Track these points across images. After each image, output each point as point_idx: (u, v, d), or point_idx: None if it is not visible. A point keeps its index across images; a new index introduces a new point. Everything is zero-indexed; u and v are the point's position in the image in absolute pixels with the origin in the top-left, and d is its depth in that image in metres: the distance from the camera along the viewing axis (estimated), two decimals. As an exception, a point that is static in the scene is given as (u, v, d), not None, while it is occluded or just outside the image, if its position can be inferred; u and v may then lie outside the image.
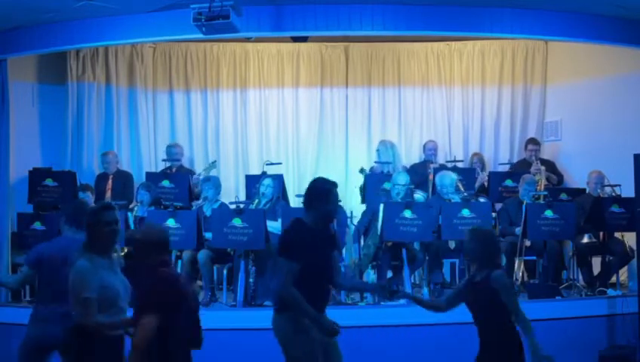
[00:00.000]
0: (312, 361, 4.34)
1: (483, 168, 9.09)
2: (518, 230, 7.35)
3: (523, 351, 4.31)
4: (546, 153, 9.36)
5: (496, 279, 4.26)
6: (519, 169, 8.69)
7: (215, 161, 9.09)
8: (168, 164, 8.77)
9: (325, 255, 4.51)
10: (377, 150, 8.68)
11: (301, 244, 4.34)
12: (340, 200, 8.38)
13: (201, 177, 8.42)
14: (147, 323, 3.77)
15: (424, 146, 9.15)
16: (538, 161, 8.76)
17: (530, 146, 9.02)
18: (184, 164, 9.09)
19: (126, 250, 7.03)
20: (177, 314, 3.88)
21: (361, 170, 8.38)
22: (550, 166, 8.97)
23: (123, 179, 8.72)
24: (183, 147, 9.22)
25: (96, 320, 3.93)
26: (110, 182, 8.60)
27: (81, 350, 3.95)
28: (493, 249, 4.41)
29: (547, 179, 8.62)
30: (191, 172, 8.84)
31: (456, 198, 7.57)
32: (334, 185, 4.56)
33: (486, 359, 4.33)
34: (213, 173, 8.71)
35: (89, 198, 7.88)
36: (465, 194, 7.65)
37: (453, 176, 7.76)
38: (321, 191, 4.46)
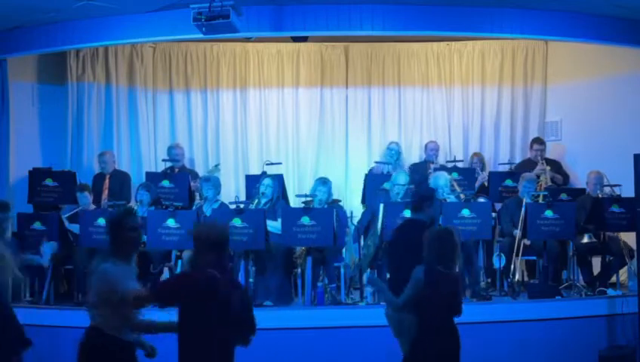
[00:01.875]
0: None
1: (483, 168, 9.05)
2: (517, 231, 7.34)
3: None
4: (547, 153, 9.33)
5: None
6: (524, 169, 8.54)
7: (218, 165, 9.07)
8: (169, 164, 8.75)
9: None
10: (389, 148, 8.65)
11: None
12: (340, 200, 8.47)
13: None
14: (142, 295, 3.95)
15: (426, 146, 9.13)
16: (543, 161, 8.69)
17: (535, 146, 8.88)
18: (185, 164, 9.08)
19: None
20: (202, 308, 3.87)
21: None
22: (556, 166, 8.89)
23: (120, 179, 8.68)
24: (183, 147, 9.19)
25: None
26: (107, 181, 8.57)
27: (98, 355, 3.91)
28: (436, 248, 4.38)
29: (552, 179, 8.57)
30: (192, 173, 8.82)
31: (452, 198, 7.57)
32: (435, 191, 5.32)
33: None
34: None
35: (87, 198, 7.85)
36: (460, 193, 7.64)
37: (447, 176, 7.76)
38: (429, 196, 5.14)
